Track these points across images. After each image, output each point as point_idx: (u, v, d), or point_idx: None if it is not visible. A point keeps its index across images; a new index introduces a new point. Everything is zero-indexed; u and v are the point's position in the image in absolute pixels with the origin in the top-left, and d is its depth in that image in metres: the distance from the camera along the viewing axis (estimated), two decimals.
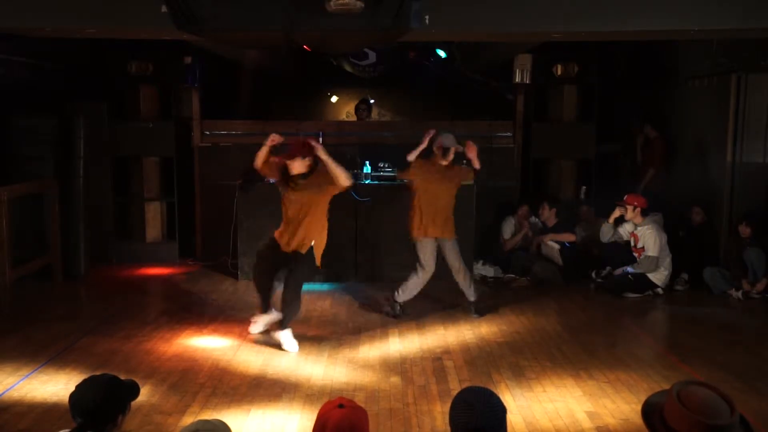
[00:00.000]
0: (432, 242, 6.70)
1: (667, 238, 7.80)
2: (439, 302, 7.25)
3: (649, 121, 9.34)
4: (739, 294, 7.58)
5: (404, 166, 6.81)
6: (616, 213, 7.81)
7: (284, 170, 5.94)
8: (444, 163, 6.70)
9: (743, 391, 4.94)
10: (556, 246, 8.36)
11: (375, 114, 11.77)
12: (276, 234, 6.06)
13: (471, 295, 6.88)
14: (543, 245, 8.44)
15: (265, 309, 6.21)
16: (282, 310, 5.93)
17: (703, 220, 8.32)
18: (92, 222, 8.53)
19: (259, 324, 6.21)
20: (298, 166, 5.85)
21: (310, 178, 5.91)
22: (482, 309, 6.92)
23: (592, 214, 8.69)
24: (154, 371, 5.34)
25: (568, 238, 8.40)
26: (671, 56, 9.32)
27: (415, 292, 6.80)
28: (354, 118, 10.84)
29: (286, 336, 5.87)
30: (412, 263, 6.87)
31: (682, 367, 5.55)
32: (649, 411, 2.26)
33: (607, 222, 7.93)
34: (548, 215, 8.50)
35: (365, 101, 10.43)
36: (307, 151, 5.80)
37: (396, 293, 6.80)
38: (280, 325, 5.93)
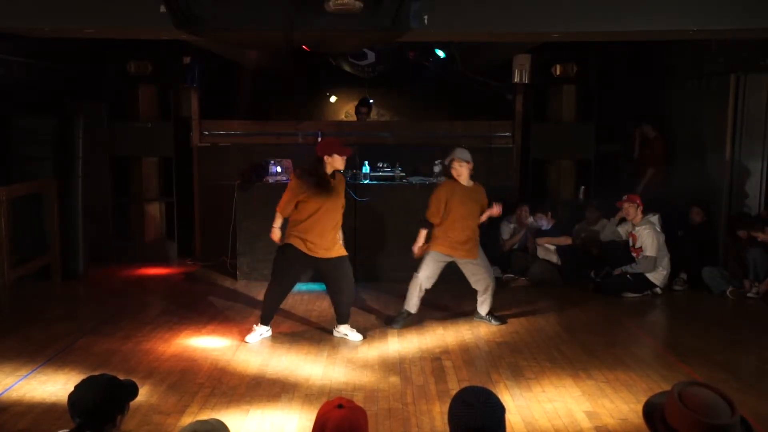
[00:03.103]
0: (439, 255, 6.47)
1: (666, 237, 7.81)
2: (439, 303, 7.24)
3: (649, 120, 9.35)
4: (740, 293, 7.58)
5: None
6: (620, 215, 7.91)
7: (313, 180, 5.93)
8: (461, 180, 6.42)
9: (743, 391, 4.94)
10: (552, 247, 8.36)
11: (374, 114, 11.78)
12: (299, 244, 5.96)
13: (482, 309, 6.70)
14: (539, 248, 8.43)
15: (266, 322, 6.19)
16: (343, 310, 6.23)
17: (702, 219, 8.33)
18: (91, 222, 8.53)
19: (255, 334, 6.12)
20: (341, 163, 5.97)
21: (335, 181, 6.03)
22: (499, 316, 6.77)
23: (597, 215, 8.68)
24: (153, 371, 5.34)
25: (565, 241, 8.38)
26: (671, 56, 9.33)
27: (414, 298, 6.54)
28: (353, 119, 10.84)
29: (347, 329, 6.26)
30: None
31: (681, 367, 5.55)
32: (651, 411, 2.26)
33: (613, 220, 8.02)
34: (546, 220, 8.49)
35: (365, 103, 10.43)
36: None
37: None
38: (343, 320, 6.26)
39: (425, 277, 6.48)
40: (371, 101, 11.17)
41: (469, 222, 6.44)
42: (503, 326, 6.59)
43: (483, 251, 6.62)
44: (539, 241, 8.42)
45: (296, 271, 6.13)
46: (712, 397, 2.14)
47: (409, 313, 6.57)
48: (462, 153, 6.42)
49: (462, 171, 6.40)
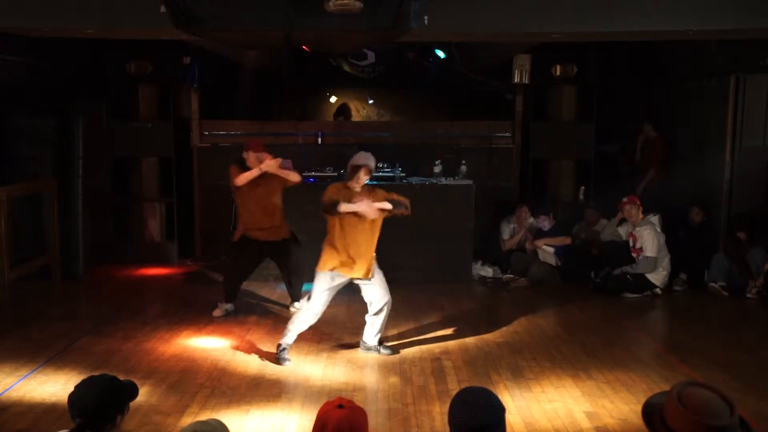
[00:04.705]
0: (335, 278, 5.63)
1: (666, 238, 7.81)
2: (438, 303, 7.24)
3: (649, 120, 9.35)
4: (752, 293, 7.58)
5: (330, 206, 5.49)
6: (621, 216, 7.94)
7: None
8: (357, 188, 5.55)
9: (743, 391, 4.93)
10: (551, 250, 8.35)
11: (374, 114, 11.79)
12: (251, 232, 6.74)
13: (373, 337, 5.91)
14: (538, 250, 8.42)
15: (232, 299, 6.92)
16: (294, 286, 6.94)
17: (702, 220, 8.32)
18: (91, 222, 8.52)
19: (222, 310, 6.84)
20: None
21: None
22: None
23: (596, 216, 8.67)
24: (153, 371, 5.34)
25: (563, 242, 8.37)
26: (670, 56, 9.33)
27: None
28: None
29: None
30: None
31: (681, 367, 5.55)
32: (650, 411, 2.26)
33: (613, 221, 8.05)
34: (548, 221, 8.48)
35: (341, 112, 10.46)
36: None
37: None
38: (297, 297, 6.90)
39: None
40: (373, 101, 11.15)
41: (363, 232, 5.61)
42: (502, 326, 6.57)
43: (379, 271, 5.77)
44: (537, 243, 8.39)
45: (249, 253, 6.87)
46: (711, 398, 2.14)
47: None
48: (374, 162, 5.64)
49: (364, 179, 5.58)
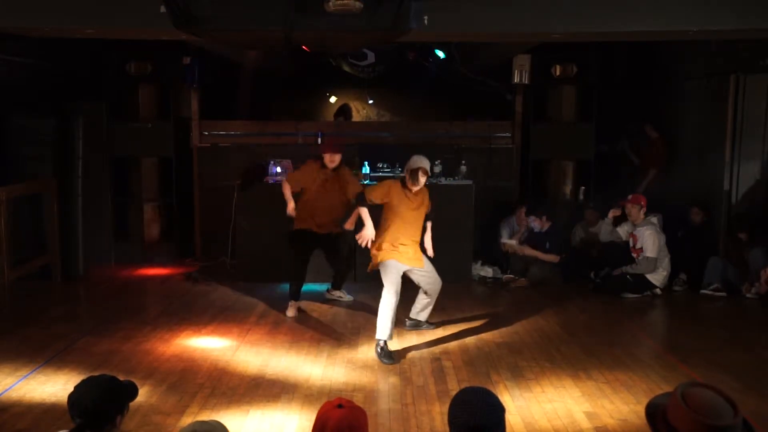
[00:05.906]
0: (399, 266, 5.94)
1: (666, 238, 7.81)
2: (438, 303, 7.23)
3: (650, 121, 9.35)
4: (752, 293, 7.58)
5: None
6: (617, 212, 7.88)
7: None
8: (415, 189, 5.93)
9: (742, 391, 4.94)
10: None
11: (374, 114, 11.79)
12: (307, 223, 6.88)
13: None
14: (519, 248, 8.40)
15: (298, 297, 7.00)
16: (343, 275, 7.42)
17: (702, 220, 8.32)
18: (91, 222, 8.52)
19: (294, 309, 6.92)
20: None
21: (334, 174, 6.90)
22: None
23: (595, 216, 8.65)
24: (153, 372, 5.34)
25: (552, 259, 8.30)
26: (670, 56, 9.33)
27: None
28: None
29: (340, 293, 7.44)
30: None
31: (681, 367, 5.55)
32: (653, 412, 2.27)
33: (607, 220, 8.00)
34: (539, 222, 8.46)
35: (341, 112, 10.47)
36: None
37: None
38: (340, 285, 7.46)
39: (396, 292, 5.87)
40: (371, 101, 11.13)
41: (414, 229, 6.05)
42: (502, 327, 6.58)
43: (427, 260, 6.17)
44: (523, 249, 8.33)
45: (308, 247, 7.05)
46: (714, 398, 2.14)
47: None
48: (428, 163, 5.98)
49: (423, 181, 5.93)
